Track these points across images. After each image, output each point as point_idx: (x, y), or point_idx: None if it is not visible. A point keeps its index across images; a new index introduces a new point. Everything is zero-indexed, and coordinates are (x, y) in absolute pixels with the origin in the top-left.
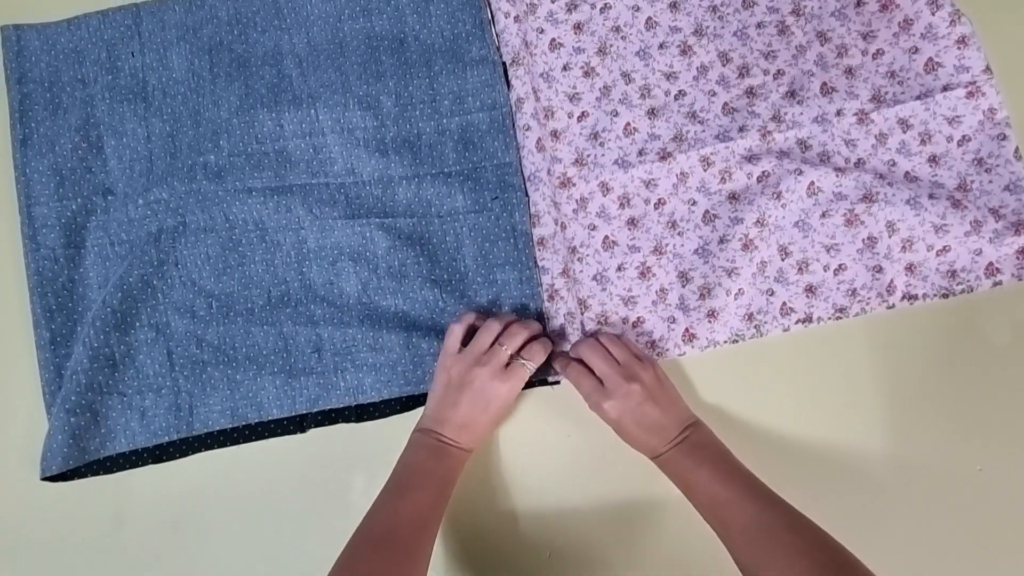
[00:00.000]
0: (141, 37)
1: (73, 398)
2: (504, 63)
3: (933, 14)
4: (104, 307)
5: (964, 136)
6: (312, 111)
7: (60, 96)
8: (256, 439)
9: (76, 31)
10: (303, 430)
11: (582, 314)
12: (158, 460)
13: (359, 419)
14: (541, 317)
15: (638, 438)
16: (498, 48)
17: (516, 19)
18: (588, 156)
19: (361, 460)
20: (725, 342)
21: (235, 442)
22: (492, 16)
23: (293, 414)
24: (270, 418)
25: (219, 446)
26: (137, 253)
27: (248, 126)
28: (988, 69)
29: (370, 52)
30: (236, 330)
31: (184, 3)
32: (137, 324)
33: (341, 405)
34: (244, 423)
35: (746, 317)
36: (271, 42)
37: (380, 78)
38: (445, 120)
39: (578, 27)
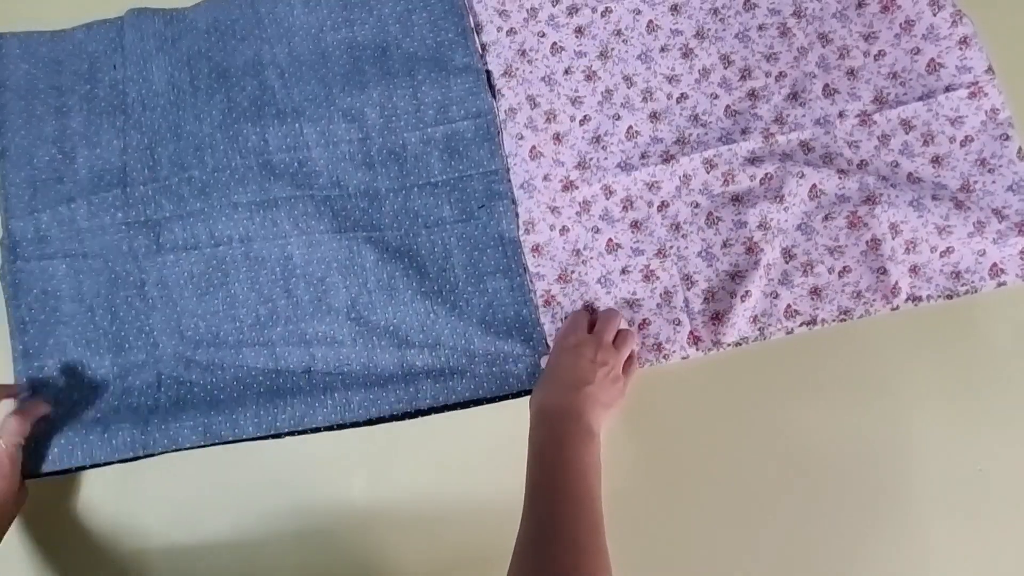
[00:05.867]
0: (124, 50)
1: (56, 416)
2: (488, 71)
3: (935, 15)
4: (96, 330)
5: (967, 137)
6: (296, 125)
7: (33, 104)
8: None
9: (59, 43)
10: (279, 436)
11: (590, 316)
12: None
13: (340, 427)
14: (535, 324)
15: (560, 382)
16: (482, 55)
17: (509, 32)
18: (590, 159)
19: (361, 460)
20: (730, 345)
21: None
22: (475, 24)
23: (272, 433)
24: (245, 437)
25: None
26: (117, 271)
27: (232, 140)
28: (990, 69)
29: (353, 62)
30: (226, 350)
31: (164, 15)
32: (127, 346)
33: (326, 424)
34: (217, 441)
35: (751, 320)
36: (251, 51)
37: (364, 89)
38: (430, 130)
39: (579, 31)
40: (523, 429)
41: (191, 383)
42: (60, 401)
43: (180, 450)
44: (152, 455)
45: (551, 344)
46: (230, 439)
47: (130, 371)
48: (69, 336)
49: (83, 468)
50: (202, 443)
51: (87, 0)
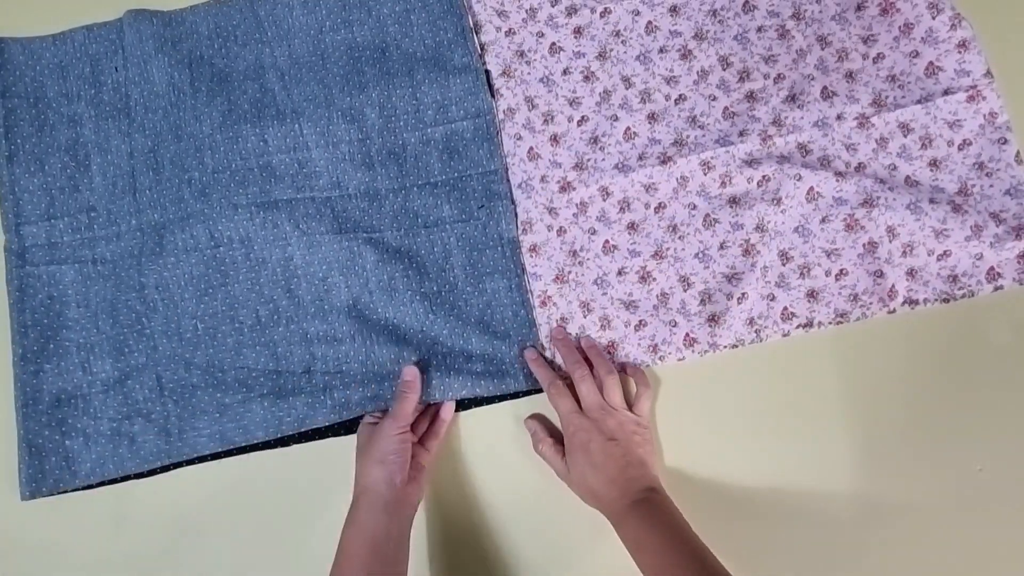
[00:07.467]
0: (125, 51)
1: (70, 421)
2: (487, 71)
3: (934, 18)
4: (99, 334)
5: (965, 140)
6: (296, 126)
7: (46, 112)
8: (239, 453)
9: (61, 46)
10: (286, 444)
11: (584, 317)
12: (152, 473)
13: (348, 432)
14: (532, 324)
15: (595, 485)
16: (481, 55)
17: (508, 32)
18: (588, 160)
19: None
20: (726, 347)
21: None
22: (473, 24)
23: (278, 436)
24: (256, 440)
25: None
26: (122, 275)
27: (232, 142)
28: (989, 73)
29: (352, 63)
30: (225, 352)
31: (162, 17)
32: (126, 350)
33: (327, 423)
34: (232, 447)
35: (747, 322)
36: (252, 56)
37: (363, 89)
38: (429, 130)
39: (578, 31)
40: (520, 430)
41: (193, 387)
42: (61, 403)
43: (197, 460)
44: (176, 465)
45: (546, 344)
46: (244, 444)
47: (130, 375)
48: (72, 340)
49: (115, 481)
50: (219, 449)
51: (86, 1)
